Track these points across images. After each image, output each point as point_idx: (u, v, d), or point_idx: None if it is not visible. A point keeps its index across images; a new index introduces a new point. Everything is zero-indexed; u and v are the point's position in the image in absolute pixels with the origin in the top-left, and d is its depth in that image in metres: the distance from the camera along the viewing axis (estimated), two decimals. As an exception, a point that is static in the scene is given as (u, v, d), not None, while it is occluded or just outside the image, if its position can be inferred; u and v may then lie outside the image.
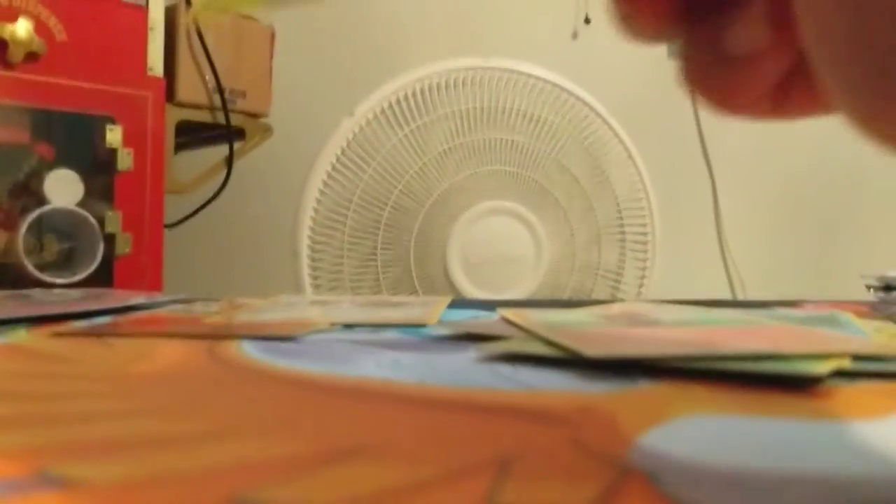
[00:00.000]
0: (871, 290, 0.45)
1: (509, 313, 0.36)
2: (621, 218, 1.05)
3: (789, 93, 0.16)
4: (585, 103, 1.02)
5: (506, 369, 0.24)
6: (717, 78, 0.16)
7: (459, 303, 0.48)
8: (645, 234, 1.06)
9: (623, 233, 1.05)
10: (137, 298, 0.47)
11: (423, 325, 0.35)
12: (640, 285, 1.07)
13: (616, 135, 1.02)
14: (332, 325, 0.35)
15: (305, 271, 0.95)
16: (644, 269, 1.07)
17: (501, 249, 0.99)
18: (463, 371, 0.24)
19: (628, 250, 1.06)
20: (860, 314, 0.39)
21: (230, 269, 1.35)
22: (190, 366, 0.25)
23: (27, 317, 0.37)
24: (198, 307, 0.44)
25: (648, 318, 0.35)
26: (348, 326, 0.35)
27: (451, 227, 0.97)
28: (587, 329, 0.31)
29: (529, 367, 0.25)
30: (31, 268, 0.79)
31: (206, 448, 0.16)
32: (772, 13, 0.15)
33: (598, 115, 1.02)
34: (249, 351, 0.28)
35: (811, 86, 0.15)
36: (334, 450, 0.15)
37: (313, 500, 0.13)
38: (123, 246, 0.86)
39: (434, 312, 0.40)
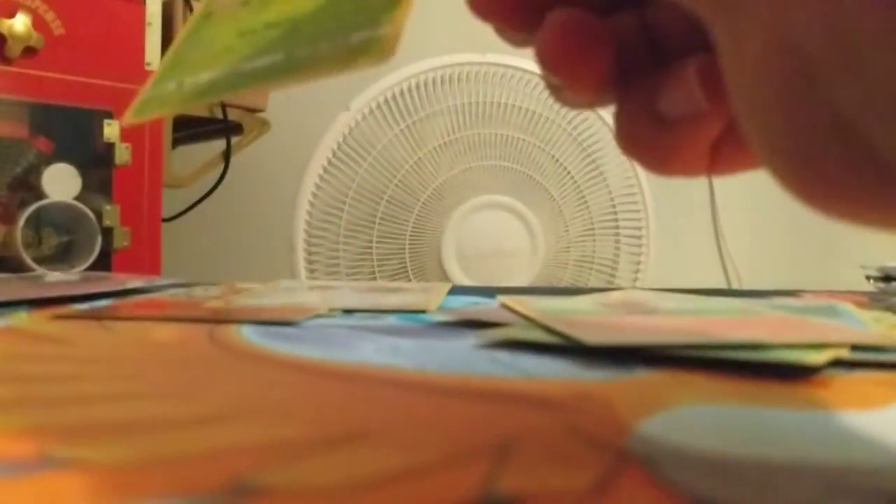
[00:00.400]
0: (871, 280, 0.45)
1: (509, 300, 0.36)
2: (615, 211, 1.06)
3: (724, 150, 0.16)
4: (580, 98, 1.02)
5: (505, 356, 0.24)
6: (652, 141, 0.16)
7: (459, 290, 0.48)
8: (639, 227, 1.07)
9: (617, 226, 1.06)
10: (136, 282, 0.47)
11: (422, 312, 0.35)
12: (635, 279, 1.07)
13: (610, 129, 1.03)
14: (332, 310, 0.35)
15: (302, 264, 0.96)
16: (638, 262, 1.07)
17: (496, 243, 1.00)
18: (462, 357, 0.24)
19: (622, 244, 1.07)
20: (859, 304, 0.39)
21: (227, 263, 1.35)
22: (190, 350, 0.25)
23: (28, 299, 0.37)
24: (198, 291, 0.44)
25: (647, 306, 0.35)
26: (348, 312, 0.35)
27: (447, 221, 0.98)
28: (586, 317, 0.31)
29: (529, 354, 0.24)
30: (29, 261, 0.79)
31: (206, 431, 0.16)
32: (705, 77, 0.15)
33: (592, 110, 1.03)
34: (249, 335, 0.28)
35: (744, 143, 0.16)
36: (333, 434, 0.15)
37: (312, 484, 0.13)
38: (121, 239, 0.86)
39: (434, 299, 0.40)
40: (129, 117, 0.19)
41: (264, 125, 1.08)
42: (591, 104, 0.17)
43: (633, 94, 0.16)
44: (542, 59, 0.16)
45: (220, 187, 1.05)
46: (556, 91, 0.17)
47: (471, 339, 0.28)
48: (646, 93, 0.16)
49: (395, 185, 0.97)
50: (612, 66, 0.16)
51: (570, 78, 0.16)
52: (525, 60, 1.00)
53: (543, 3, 0.16)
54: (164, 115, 0.19)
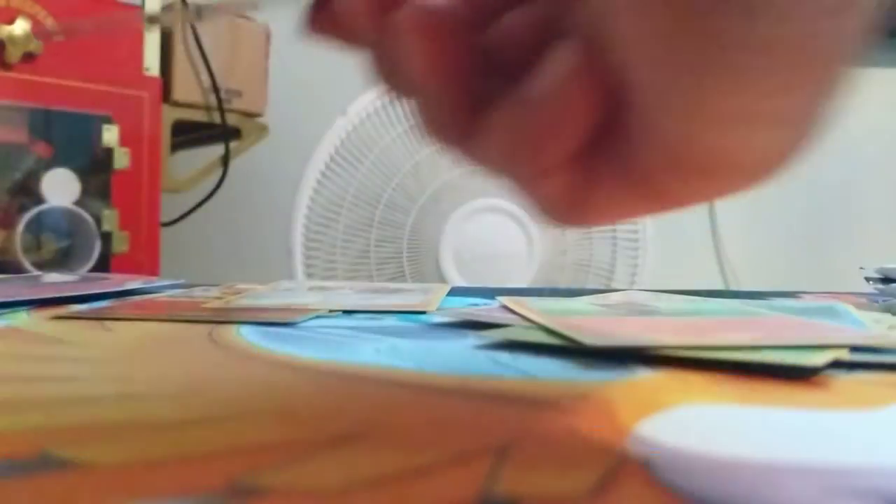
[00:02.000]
0: (870, 281, 0.45)
1: (509, 301, 0.36)
2: (612, 215, 1.06)
3: (588, 191, 0.16)
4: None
5: (504, 357, 0.24)
6: (518, 132, 0.15)
7: (459, 290, 0.48)
8: (636, 230, 1.07)
9: (614, 229, 1.06)
10: (136, 282, 0.47)
11: (422, 312, 0.35)
12: (632, 282, 1.07)
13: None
14: (332, 311, 0.35)
15: (300, 268, 0.96)
16: (635, 265, 1.08)
17: (494, 246, 1.00)
18: (462, 358, 0.24)
19: (619, 247, 1.07)
20: (859, 305, 0.39)
21: (226, 267, 1.35)
22: (189, 350, 0.25)
23: (28, 299, 0.37)
24: (197, 292, 0.44)
25: (647, 307, 0.35)
26: (348, 313, 0.35)
27: (444, 225, 0.98)
28: (586, 318, 0.31)
29: (528, 355, 0.24)
30: (28, 265, 0.79)
31: (205, 432, 0.16)
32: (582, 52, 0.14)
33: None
34: (248, 336, 0.28)
35: (608, 191, 0.15)
36: (333, 435, 0.15)
37: (311, 484, 0.13)
38: (120, 244, 0.87)
39: (434, 299, 0.40)
40: None
41: (262, 130, 1.08)
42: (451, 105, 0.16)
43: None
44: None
45: (218, 192, 1.05)
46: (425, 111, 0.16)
47: (470, 340, 0.28)
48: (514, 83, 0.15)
49: (393, 189, 0.97)
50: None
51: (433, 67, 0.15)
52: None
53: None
54: None
